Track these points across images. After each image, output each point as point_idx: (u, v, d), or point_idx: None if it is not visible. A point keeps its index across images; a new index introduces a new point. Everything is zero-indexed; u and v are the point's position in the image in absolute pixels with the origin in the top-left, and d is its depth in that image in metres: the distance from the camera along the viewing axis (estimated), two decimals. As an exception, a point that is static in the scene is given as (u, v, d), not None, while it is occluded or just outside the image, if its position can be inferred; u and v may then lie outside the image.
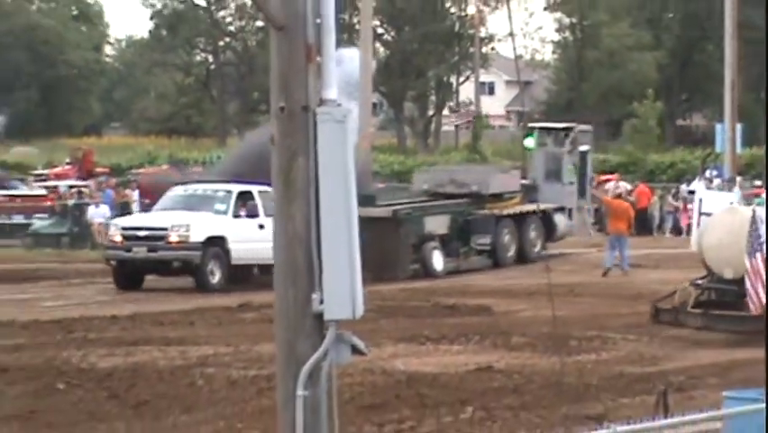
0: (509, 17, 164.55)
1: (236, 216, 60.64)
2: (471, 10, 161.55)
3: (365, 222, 59.47)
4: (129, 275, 57.56)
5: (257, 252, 58.00)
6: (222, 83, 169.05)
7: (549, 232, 74.95)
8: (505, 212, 72.06)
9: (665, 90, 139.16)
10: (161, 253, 57.54)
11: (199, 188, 64.77)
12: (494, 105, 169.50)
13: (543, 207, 74.97)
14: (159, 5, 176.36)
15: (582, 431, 22.30)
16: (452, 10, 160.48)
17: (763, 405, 21.12)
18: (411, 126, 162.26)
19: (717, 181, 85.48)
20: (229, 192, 62.00)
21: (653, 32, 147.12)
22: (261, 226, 59.20)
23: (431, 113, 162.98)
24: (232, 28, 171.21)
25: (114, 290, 62.24)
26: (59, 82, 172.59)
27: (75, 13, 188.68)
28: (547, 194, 76.51)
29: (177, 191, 65.46)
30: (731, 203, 57.18)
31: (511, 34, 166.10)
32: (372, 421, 29.78)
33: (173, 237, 57.39)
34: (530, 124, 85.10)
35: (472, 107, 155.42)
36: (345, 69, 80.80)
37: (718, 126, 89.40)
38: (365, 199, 60.74)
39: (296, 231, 13.84)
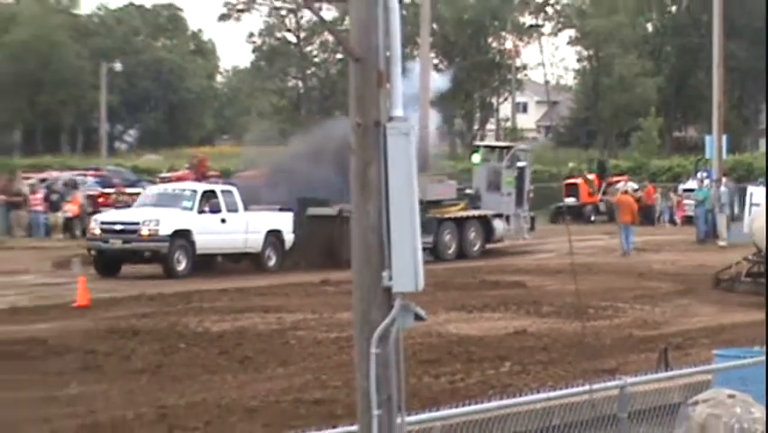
0: (540, 50, 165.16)
1: (201, 211, 59.82)
2: (509, 44, 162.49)
3: (318, 218, 63.98)
4: (107, 263, 57.40)
5: (220, 242, 59.89)
6: (309, 104, 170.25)
7: (488, 234, 75.15)
8: (446, 216, 71.96)
9: (664, 108, 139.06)
10: (134, 244, 57.39)
11: (169, 188, 65.57)
12: (527, 121, 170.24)
13: (483, 213, 75.64)
14: (258, 42, 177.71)
15: (598, 382, 21.79)
16: (494, 45, 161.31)
17: (745, 360, 21.88)
18: (460, 138, 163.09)
19: (706, 181, 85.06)
20: (194, 191, 61.46)
21: (655, 62, 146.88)
22: (224, 221, 59.85)
23: (476, 127, 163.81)
24: (317, 59, 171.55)
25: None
26: (180, 103, 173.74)
27: (192, 48, 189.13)
28: (488, 202, 77.17)
29: (152, 191, 66.25)
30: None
31: (541, 64, 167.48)
32: (430, 373, 30.14)
33: (144, 231, 57.08)
34: (476, 143, 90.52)
35: (509, 123, 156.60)
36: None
37: (707, 137, 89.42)
38: (320, 202, 66.73)
39: (369, 222, 13.56)
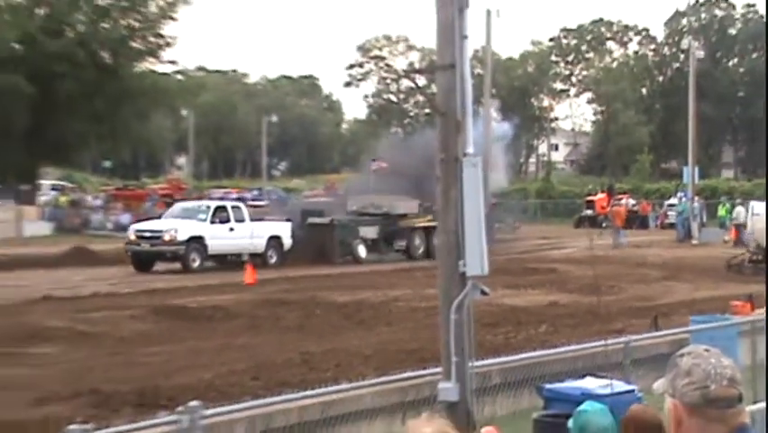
0: (569, 106, 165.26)
1: (213, 222, 56.25)
2: (545, 103, 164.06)
3: (315, 226, 58.54)
4: (140, 262, 54.86)
5: (228, 246, 56.41)
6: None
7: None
8: (416, 225, 67.57)
9: (654, 148, 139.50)
10: (159, 247, 54.62)
11: (190, 204, 62.01)
12: (558, 157, 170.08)
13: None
14: (371, 101, 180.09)
15: (611, 339, 21.85)
16: (535, 103, 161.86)
17: (712, 324, 22.35)
18: (513, 168, 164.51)
19: (684, 199, 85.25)
20: (209, 207, 58.61)
21: (648, 115, 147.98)
22: (232, 229, 56.57)
23: (521, 161, 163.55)
24: (411, 114, 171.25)
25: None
26: (317, 144, 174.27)
27: (325, 106, 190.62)
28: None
29: (178, 206, 62.42)
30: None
31: (568, 116, 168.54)
32: (491, 333, 29.61)
33: (166, 237, 54.33)
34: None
35: (545, 158, 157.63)
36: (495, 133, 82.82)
37: (685, 168, 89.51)
38: (317, 213, 64.54)
39: (450, 227, 14.11)
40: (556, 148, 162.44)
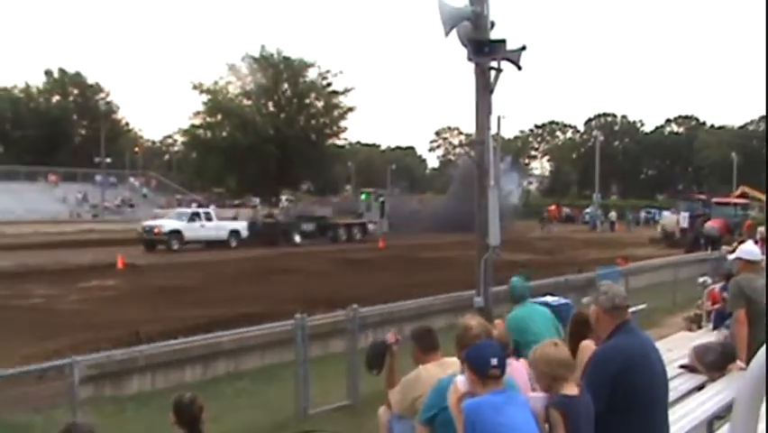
0: (539, 162, 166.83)
1: (190, 221, 61.14)
2: (526, 161, 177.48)
3: (269, 224, 65.99)
4: (147, 245, 58.32)
5: (199, 236, 60.44)
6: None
7: (365, 231, 75.22)
8: (341, 222, 73.70)
9: (579, 183, 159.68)
10: (152, 236, 58.95)
11: (181, 210, 67.37)
12: (532, 187, 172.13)
13: (363, 221, 76.28)
14: (442, 158, 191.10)
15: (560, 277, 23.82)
16: (520, 160, 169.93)
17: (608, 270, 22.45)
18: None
19: (593, 209, 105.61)
20: (188, 212, 64.06)
21: (575, 167, 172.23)
22: (202, 225, 61.21)
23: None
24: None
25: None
26: (415, 181, 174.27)
27: (419, 161, 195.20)
28: (368, 217, 78.27)
29: (174, 211, 68.47)
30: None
31: (536, 168, 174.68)
32: (501, 275, 30.23)
33: (156, 230, 59.38)
34: (362, 189, 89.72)
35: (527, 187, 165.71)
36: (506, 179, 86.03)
37: (594, 194, 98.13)
38: (269, 216, 71.30)
39: (482, 220, 14.62)
40: (530, 183, 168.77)
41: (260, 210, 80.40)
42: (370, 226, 76.48)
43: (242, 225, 64.41)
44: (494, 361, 6.23)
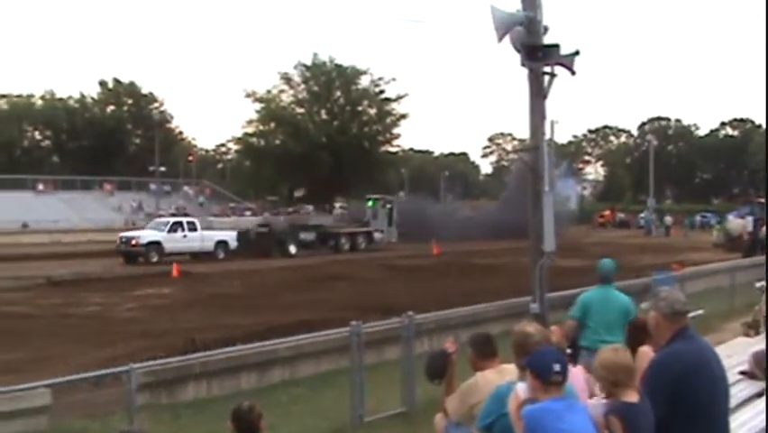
0: (593, 168, 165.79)
1: (170, 231, 57.14)
2: (581, 166, 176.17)
3: (262, 233, 62.01)
4: (125, 257, 55.08)
5: (181, 248, 56.53)
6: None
7: (370, 240, 70.76)
8: (342, 231, 69.66)
9: (633, 188, 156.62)
10: (130, 248, 55.46)
11: (161, 220, 62.73)
12: (586, 192, 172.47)
13: (368, 229, 72.03)
14: (495, 164, 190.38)
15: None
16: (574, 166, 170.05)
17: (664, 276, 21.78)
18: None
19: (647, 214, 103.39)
20: (168, 222, 59.55)
21: (630, 171, 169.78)
22: (185, 236, 57.35)
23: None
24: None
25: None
26: (469, 187, 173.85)
27: (472, 167, 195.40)
28: (374, 225, 73.70)
29: (152, 222, 63.76)
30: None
31: (590, 172, 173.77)
32: (557, 281, 29.79)
33: (133, 241, 55.80)
34: (368, 195, 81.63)
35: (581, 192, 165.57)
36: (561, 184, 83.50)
37: (648, 199, 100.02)
38: (262, 225, 66.71)
39: (537, 225, 14.71)
40: (584, 188, 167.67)
41: (270, 216, 77.47)
42: (377, 235, 72.43)
43: (230, 236, 60.57)
44: (556, 367, 6.19)
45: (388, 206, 77.31)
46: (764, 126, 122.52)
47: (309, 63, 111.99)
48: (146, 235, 57.05)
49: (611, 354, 6.60)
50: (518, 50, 14.72)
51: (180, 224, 58.55)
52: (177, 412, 15.26)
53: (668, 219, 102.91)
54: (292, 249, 62.37)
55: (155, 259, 54.33)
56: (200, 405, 15.64)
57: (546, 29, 14.98)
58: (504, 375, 7.56)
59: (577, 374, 7.94)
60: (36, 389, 13.08)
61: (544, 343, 7.01)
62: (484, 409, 7.09)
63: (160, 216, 79.92)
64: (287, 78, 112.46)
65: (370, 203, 77.79)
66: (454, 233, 74.80)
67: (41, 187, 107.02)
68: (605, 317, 12.37)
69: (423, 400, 14.71)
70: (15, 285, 40.07)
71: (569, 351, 8.84)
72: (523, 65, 14.82)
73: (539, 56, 14.67)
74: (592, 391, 7.89)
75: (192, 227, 58.52)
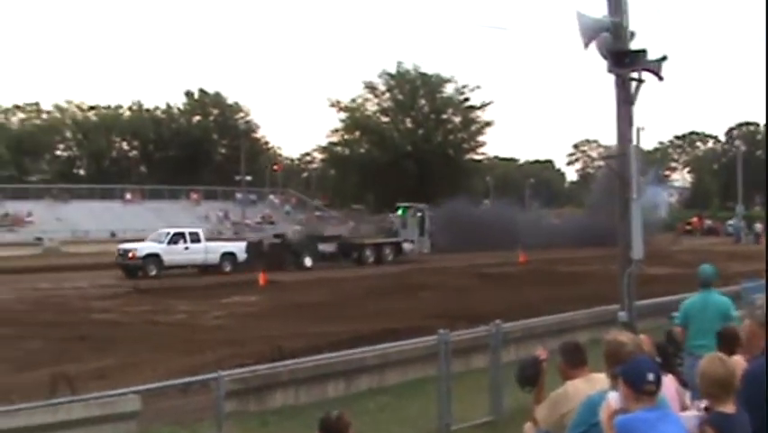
0: (679, 174, 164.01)
1: (170, 243, 53.46)
2: (667, 172, 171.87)
3: (276, 244, 58.60)
4: (125, 271, 52.14)
5: (182, 260, 53.44)
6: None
7: (399, 251, 65.39)
8: (366, 242, 64.86)
9: (720, 195, 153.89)
10: (127, 261, 52.25)
11: (161, 231, 56.74)
12: (672, 199, 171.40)
13: (396, 240, 66.96)
14: (580, 171, 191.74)
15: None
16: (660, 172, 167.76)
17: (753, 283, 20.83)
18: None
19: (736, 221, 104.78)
20: (168, 233, 54.89)
21: (717, 178, 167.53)
22: (187, 248, 53.73)
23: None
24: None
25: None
26: (553, 195, 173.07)
27: (558, 174, 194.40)
28: (403, 235, 68.32)
29: (154, 233, 57.92)
30: None
31: (677, 179, 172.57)
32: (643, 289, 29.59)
33: (131, 254, 52.41)
34: (398, 204, 74.48)
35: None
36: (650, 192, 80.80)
37: (737, 205, 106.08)
38: (277, 236, 62.79)
39: (626, 233, 14.59)
40: (671, 195, 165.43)
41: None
42: (406, 246, 67.60)
43: (238, 247, 57.10)
44: (650, 376, 6.08)
45: (419, 214, 72.51)
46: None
47: (394, 72, 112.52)
48: (144, 248, 54.19)
49: (710, 362, 6.51)
50: (605, 57, 14.63)
51: (182, 235, 55.13)
52: (264, 419, 15.31)
53: (758, 226, 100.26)
54: (307, 262, 58.58)
55: (153, 273, 51.68)
56: (288, 412, 15.67)
57: (633, 34, 14.87)
58: (594, 384, 7.45)
59: (668, 384, 7.83)
60: (126, 395, 13.28)
61: (638, 352, 6.89)
62: (575, 419, 7.03)
63: (246, 224, 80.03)
64: (371, 87, 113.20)
65: (399, 211, 73.02)
66: (539, 241, 71.85)
67: (128, 196, 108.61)
68: (703, 321, 12.42)
69: (510, 409, 14.66)
70: (105, 293, 40.94)
71: (658, 360, 8.66)
72: (610, 71, 14.70)
73: (626, 62, 14.58)
74: (683, 401, 7.81)
75: (195, 238, 55.21)
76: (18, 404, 13.30)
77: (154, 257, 52.79)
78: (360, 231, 71.58)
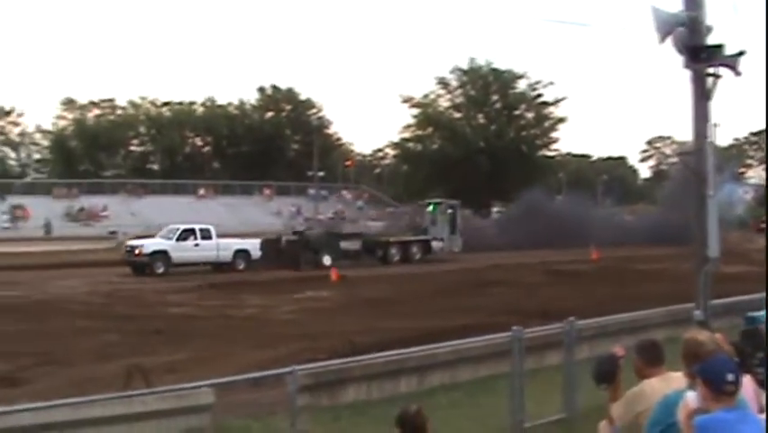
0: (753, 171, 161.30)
1: (179, 239, 51.29)
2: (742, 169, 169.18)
3: (293, 242, 55.25)
4: (133, 268, 50.31)
5: (192, 257, 51.20)
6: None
7: (427, 249, 62.19)
8: (392, 240, 61.49)
9: None
10: (134, 258, 50.31)
11: (171, 227, 54.19)
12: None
13: (424, 238, 63.41)
14: (654, 168, 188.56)
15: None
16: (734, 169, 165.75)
17: None
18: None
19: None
20: (178, 228, 52.67)
21: None
22: (197, 245, 51.37)
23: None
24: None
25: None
26: (626, 191, 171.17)
27: (631, 171, 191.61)
28: (433, 232, 64.63)
29: (165, 228, 55.46)
30: None
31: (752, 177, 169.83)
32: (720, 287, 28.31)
33: (137, 251, 50.37)
34: (428, 200, 71.05)
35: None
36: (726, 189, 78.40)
37: None
38: (297, 233, 59.48)
39: (702, 230, 14.40)
40: (746, 193, 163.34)
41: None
42: (435, 244, 64.28)
43: (252, 244, 54.61)
44: (730, 377, 6.00)
45: (450, 211, 68.47)
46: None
47: (466, 68, 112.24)
48: (151, 244, 52.16)
49: None
50: (681, 52, 14.41)
51: (192, 231, 52.89)
52: (337, 414, 15.36)
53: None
54: (326, 260, 55.42)
55: (161, 270, 50.01)
56: (360, 407, 15.70)
57: (710, 29, 14.66)
58: (670, 383, 7.38)
59: (746, 385, 7.70)
60: (200, 388, 13.47)
61: (717, 351, 6.83)
62: (652, 418, 6.95)
63: (319, 220, 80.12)
64: (444, 83, 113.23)
65: (429, 207, 69.26)
66: (612, 238, 70.45)
67: (201, 192, 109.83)
68: None
69: (583, 407, 14.52)
70: (179, 287, 41.44)
71: (736, 359, 8.54)
72: (686, 67, 14.50)
73: (702, 57, 14.34)
74: (761, 402, 7.70)
75: (206, 235, 52.94)
76: (94, 395, 13.52)
77: (162, 254, 51.02)
78: (386, 228, 69.74)
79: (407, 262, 59.23)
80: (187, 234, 52.10)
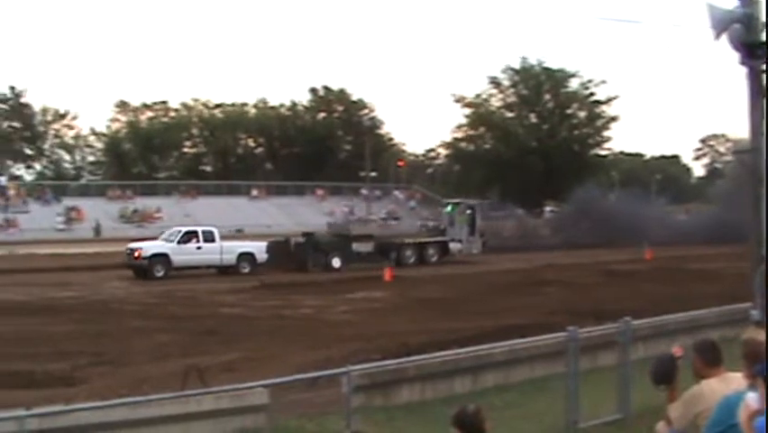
0: None
1: (180, 242, 49.44)
2: None
3: (300, 243, 53.35)
4: (134, 271, 49.02)
5: (194, 261, 49.29)
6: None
7: (445, 251, 59.57)
8: (407, 241, 58.75)
9: None
10: (133, 261, 48.75)
11: (174, 230, 52.82)
12: None
13: (441, 239, 60.80)
14: (708, 166, 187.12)
15: None
16: None
17: None
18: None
19: None
20: (179, 231, 51.14)
21: None
22: (199, 247, 49.53)
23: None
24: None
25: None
26: (679, 191, 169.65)
27: (685, 170, 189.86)
28: (451, 234, 61.91)
29: (167, 231, 53.75)
30: None
31: None
32: None
33: (136, 253, 48.55)
34: (446, 200, 70.13)
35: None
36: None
37: None
38: (304, 234, 56.33)
39: (759, 229, 13.98)
40: None
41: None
42: (453, 246, 61.80)
43: (257, 247, 52.60)
44: (792, 378, 5.89)
45: (469, 212, 65.77)
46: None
47: (518, 67, 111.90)
48: (151, 247, 50.50)
49: None
50: (737, 49, 14.22)
51: (195, 233, 51.11)
52: (391, 414, 15.38)
53: None
54: (335, 262, 53.88)
55: (160, 274, 48.43)
56: (414, 408, 15.73)
57: (766, 25, 14.46)
58: (729, 384, 7.30)
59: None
60: (254, 388, 13.63)
61: (778, 352, 6.74)
62: (712, 419, 6.87)
63: (372, 220, 79.83)
64: (496, 83, 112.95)
65: (447, 208, 67.22)
66: (666, 237, 69.82)
67: (254, 193, 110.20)
68: None
69: (639, 407, 14.46)
70: (233, 288, 41.57)
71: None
72: (742, 63, 14.31)
73: (759, 54, 14.14)
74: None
75: (209, 238, 50.93)
76: (151, 395, 13.84)
77: (162, 257, 49.34)
78: (399, 229, 68.11)
79: (424, 263, 57.17)
80: (189, 237, 50.52)
